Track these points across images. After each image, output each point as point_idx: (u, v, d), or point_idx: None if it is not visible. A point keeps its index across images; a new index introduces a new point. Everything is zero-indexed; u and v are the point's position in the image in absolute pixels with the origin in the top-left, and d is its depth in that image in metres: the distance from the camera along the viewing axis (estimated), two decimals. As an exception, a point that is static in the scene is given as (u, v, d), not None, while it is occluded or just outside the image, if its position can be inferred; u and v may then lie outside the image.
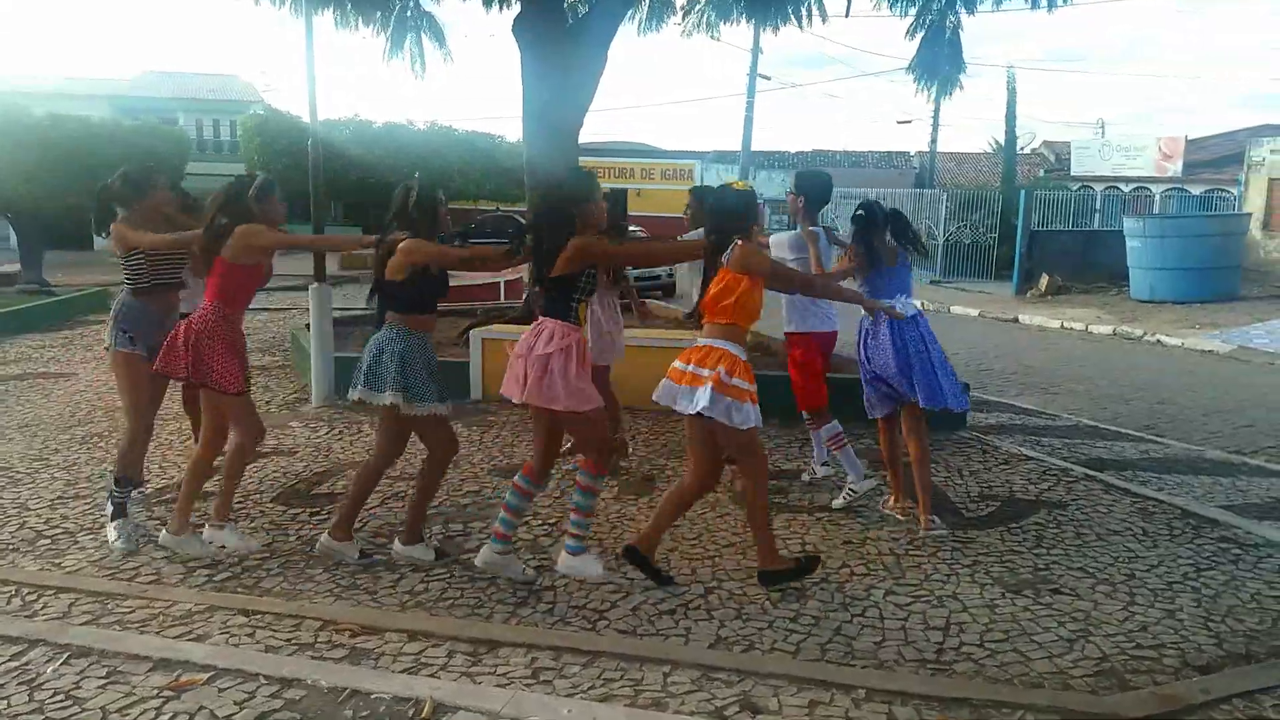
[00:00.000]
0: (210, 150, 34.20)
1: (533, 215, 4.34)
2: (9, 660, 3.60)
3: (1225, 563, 4.82)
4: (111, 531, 4.74)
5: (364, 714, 3.26)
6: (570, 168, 4.45)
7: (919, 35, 12.38)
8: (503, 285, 14.84)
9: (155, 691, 3.38)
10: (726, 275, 4.21)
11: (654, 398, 4.35)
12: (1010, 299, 19.77)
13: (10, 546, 4.80)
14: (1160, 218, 20.67)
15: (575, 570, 4.40)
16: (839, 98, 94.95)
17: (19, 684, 3.43)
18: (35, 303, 14.67)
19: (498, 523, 4.44)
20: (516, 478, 4.47)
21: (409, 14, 12.24)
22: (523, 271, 11.33)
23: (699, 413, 4.11)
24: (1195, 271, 17.57)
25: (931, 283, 22.73)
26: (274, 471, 6.12)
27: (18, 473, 6.08)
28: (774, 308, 5.02)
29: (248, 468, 5.38)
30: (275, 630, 3.89)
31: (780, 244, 5.69)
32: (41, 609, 4.08)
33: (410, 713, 3.27)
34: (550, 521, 5.22)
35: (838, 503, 5.56)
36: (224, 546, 4.67)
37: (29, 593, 4.23)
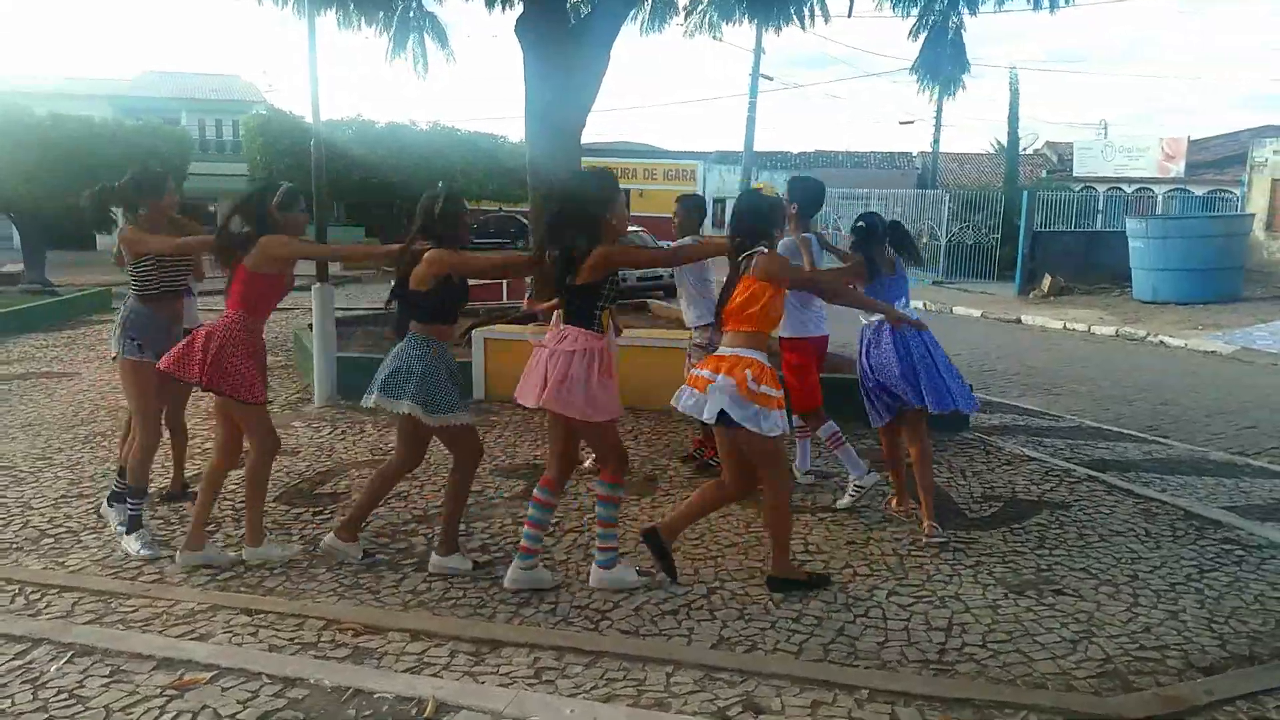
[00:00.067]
0: (212, 150, 34.19)
1: (553, 221, 4.27)
2: (13, 659, 3.60)
3: (1229, 564, 4.82)
4: (134, 543, 4.68)
5: (367, 713, 3.26)
6: (593, 172, 4.39)
7: (922, 36, 12.36)
8: (505, 285, 14.83)
9: (158, 690, 3.39)
10: (752, 283, 4.19)
11: (679, 407, 4.33)
12: (1013, 300, 19.76)
13: (14, 545, 4.80)
14: (1163, 219, 20.66)
15: (612, 582, 4.33)
16: (841, 98, 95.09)
17: (23, 682, 3.43)
18: (38, 302, 14.70)
19: (524, 539, 4.37)
20: (536, 490, 4.40)
21: (411, 14, 12.22)
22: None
23: (724, 421, 4.10)
24: (1198, 272, 17.56)
25: (934, 283, 22.74)
26: (277, 471, 6.08)
27: (21, 471, 6.09)
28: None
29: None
30: (278, 629, 3.89)
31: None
32: (45, 608, 4.08)
33: (413, 712, 3.27)
34: (552, 521, 5.21)
35: (843, 502, 5.56)
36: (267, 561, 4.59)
37: (32, 591, 4.24)
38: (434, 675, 3.54)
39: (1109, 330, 15.22)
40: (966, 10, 11.85)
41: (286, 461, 6.34)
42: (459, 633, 3.87)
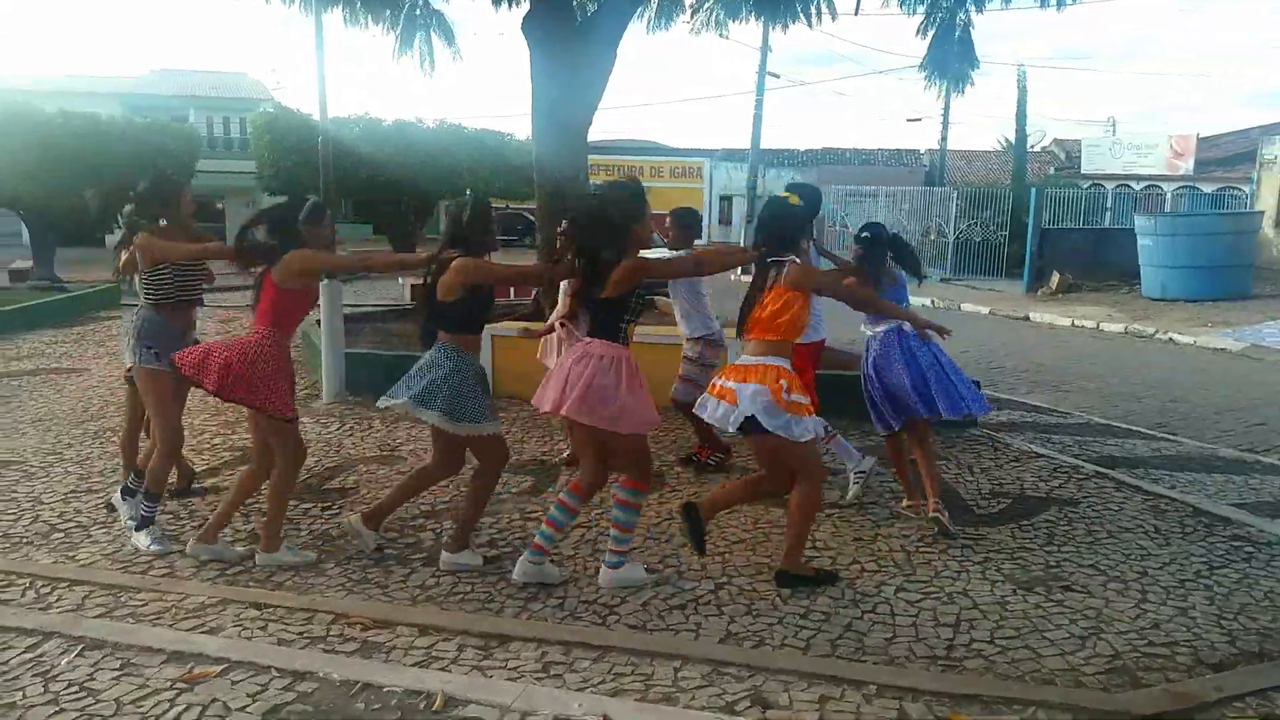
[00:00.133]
0: (220, 148, 34.28)
1: (585, 232, 4.27)
2: (24, 652, 3.62)
3: (1238, 561, 4.80)
4: (144, 538, 4.70)
5: (376, 707, 3.27)
6: (623, 183, 4.41)
7: (930, 33, 12.35)
8: (512, 282, 14.83)
9: (168, 684, 3.40)
10: (785, 293, 4.21)
11: (705, 418, 4.35)
12: (1021, 297, 19.71)
13: (24, 540, 4.83)
14: (1172, 216, 20.59)
15: (621, 581, 4.32)
16: (848, 95, 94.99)
17: (34, 676, 3.45)
18: (47, 299, 14.75)
19: (539, 536, 4.37)
20: (564, 493, 4.41)
21: (418, 12, 12.24)
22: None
23: (755, 428, 4.12)
24: (1207, 270, 17.49)
25: (942, 280, 22.68)
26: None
27: (31, 467, 6.12)
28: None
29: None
30: (287, 624, 3.91)
31: None
32: (56, 602, 4.10)
33: (422, 706, 3.28)
34: (570, 525, 5.22)
35: (851, 493, 5.58)
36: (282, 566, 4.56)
37: (43, 585, 4.26)
38: (442, 669, 3.55)
39: (1117, 327, 15.17)
40: (974, 7, 11.83)
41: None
42: (467, 627, 3.88)
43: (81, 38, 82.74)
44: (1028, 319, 16.90)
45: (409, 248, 22.50)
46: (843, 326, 6.39)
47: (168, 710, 3.23)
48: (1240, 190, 25.27)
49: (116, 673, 3.48)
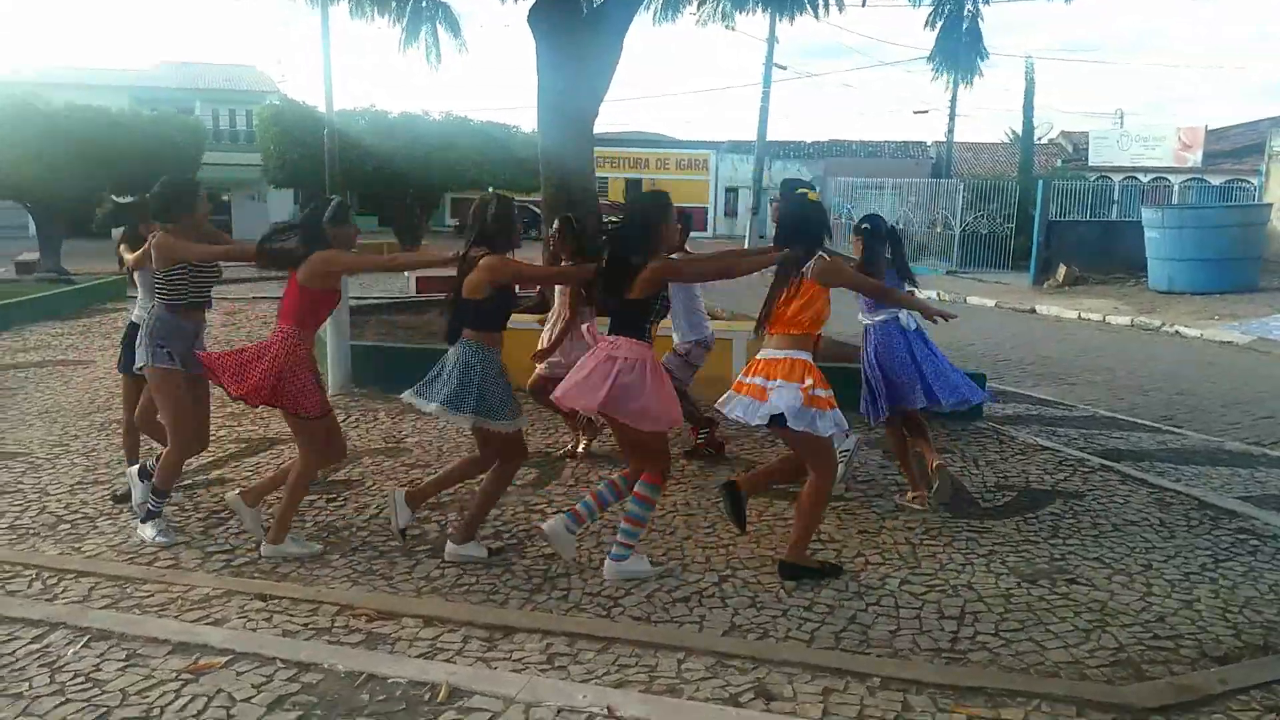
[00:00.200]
0: (226, 140, 34.33)
1: (623, 233, 4.31)
2: (30, 643, 3.64)
3: (1243, 554, 4.79)
4: (149, 530, 4.71)
5: (380, 698, 3.28)
6: (651, 192, 4.48)
7: (938, 25, 12.32)
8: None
9: (174, 674, 3.42)
10: (812, 287, 4.23)
11: (730, 416, 4.34)
12: (1027, 289, 19.66)
13: (31, 531, 4.85)
14: (1179, 208, 20.50)
15: (626, 574, 4.32)
16: (855, 87, 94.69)
17: (40, 666, 3.47)
18: (54, 290, 14.80)
19: (580, 505, 4.44)
20: (616, 475, 4.50)
21: (424, 4, 12.24)
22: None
23: (778, 421, 4.14)
24: (1214, 262, 17.42)
25: (948, 273, 22.65)
26: (292, 458, 6.14)
27: (38, 458, 6.14)
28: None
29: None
30: (292, 615, 3.92)
31: None
32: (62, 592, 4.12)
33: (426, 697, 3.29)
34: (564, 509, 5.22)
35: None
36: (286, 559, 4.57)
37: (49, 576, 4.28)
38: (447, 661, 3.56)
39: (1124, 320, 15.13)
40: (982, -2, 11.78)
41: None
42: (472, 619, 3.89)
43: (89, 30, 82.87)
44: (1034, 311, 16.86)
45: (415, 240, 22.51)
46: (838, 321, 6.35)
47: (173, 701, 3.24)
48: (1248, 182, 25.19)
49: (122, 663, 3.49)
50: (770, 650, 3.66)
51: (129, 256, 5.15)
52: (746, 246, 5.56)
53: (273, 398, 4.37)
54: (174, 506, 5.18)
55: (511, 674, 3.45)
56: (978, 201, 24.10)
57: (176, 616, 3.89)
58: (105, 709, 3.19)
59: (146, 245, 4.87)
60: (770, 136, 30.33)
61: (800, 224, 4.39)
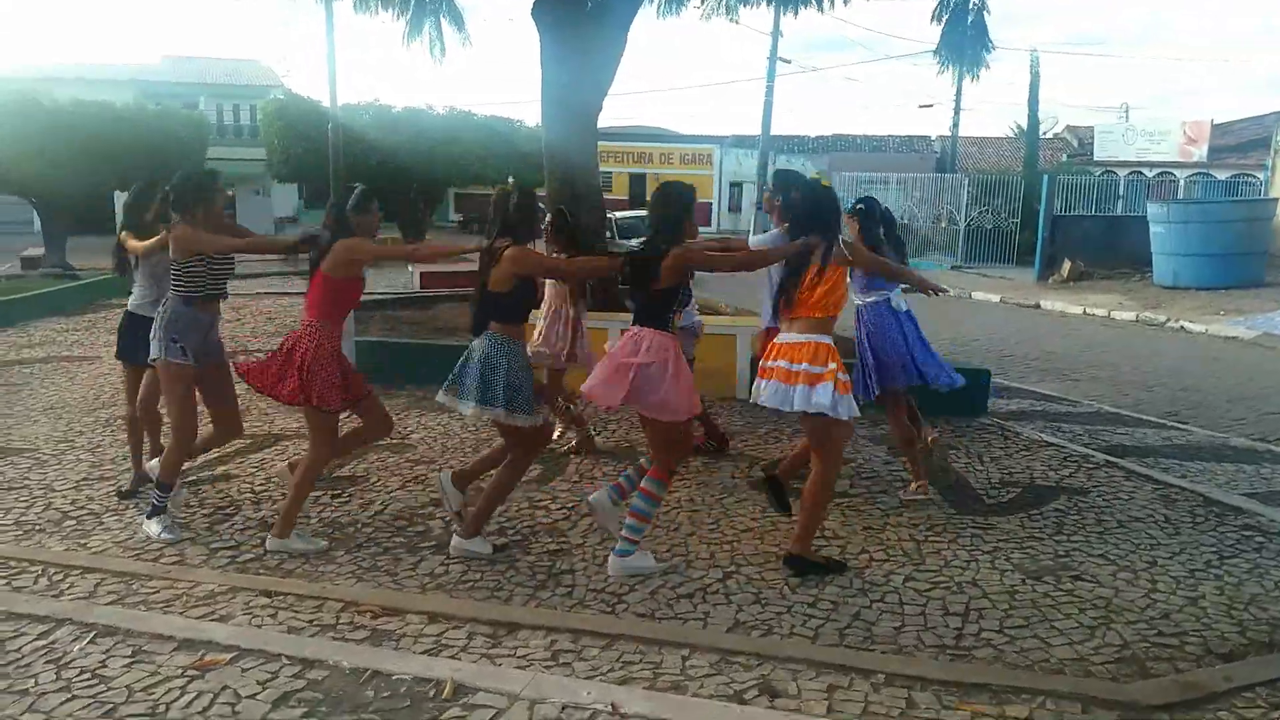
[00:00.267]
0: (230, 135, 34.26)
1: (657, 226, 4.33)
2: (36, 639, 3.65)
3: (1249, 551, 4.78)
4: (155, 526, 4.72)
5: (385, 694, 3.29)
6: (676, 181, 4.51)
7: (944, 18, 12.30)
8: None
9: (179, 671, 3.42)
10: (837, 271, 4.29)
11: (761, 401, 4.35)
12: (1032, 284, 19.62)
13: (37, 527, 4.86)
14: (1184, 203, 20.44)
15: (630, 570, 4.33)
16: (860, 81, 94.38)
17: (46, 662, 3.48)
18: (59, 286, 14.82)
19: (622, 477, 4.52)
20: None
21: (428, -2, 12.23)
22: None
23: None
24: (1219, 257, 17.37)
25: (953, 268, 22.61)
26: (296, 454, 6.15)
27: (43, 454, 6.16)
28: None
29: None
30: (297, 611, 3.93)
31: (762, 244, 5.70)
32: (68, 589, 4.13)
33: (431, 693, 3.29)
34: (569, 505, 5.24)
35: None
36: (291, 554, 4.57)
37: (55, 572, 4.29)
38: (452, 657, 3.56)
39: (1129, 315, 15.10)
40: (988, -10, 11.76)
41: (304, 444, 6.36)
42: (476, 615, 3.90)
43: (94, 25, 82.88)
44: (1039, 307, 16.83)
45: (419, 234, 22.52)
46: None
47: (178, 697, 3.25)
48: (1254, 177, 25.09)
49: (128, 660, 3.50)
50: (774, 647, 3.67)
51: (136, 245, 5.15)
52: (750, 240, 5.53)
53: (301, 392, 4.37)
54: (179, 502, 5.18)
55: (516, 670, 3.46)
56: (982, 196, 24.08)
57: (182, 613, 3.90)
58: (111, 705, 3.21)
59: (163, 236, 4.87)
60: (774, 131, 30.26)
61: (815, 210, 4.42)
